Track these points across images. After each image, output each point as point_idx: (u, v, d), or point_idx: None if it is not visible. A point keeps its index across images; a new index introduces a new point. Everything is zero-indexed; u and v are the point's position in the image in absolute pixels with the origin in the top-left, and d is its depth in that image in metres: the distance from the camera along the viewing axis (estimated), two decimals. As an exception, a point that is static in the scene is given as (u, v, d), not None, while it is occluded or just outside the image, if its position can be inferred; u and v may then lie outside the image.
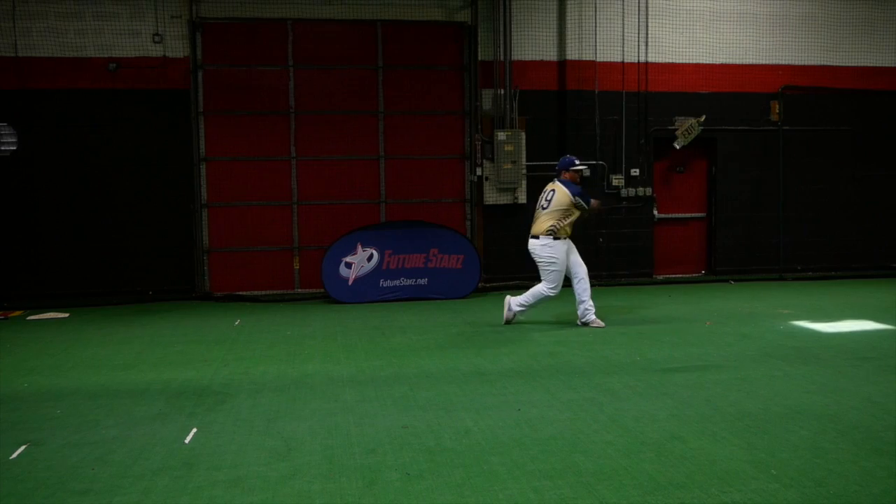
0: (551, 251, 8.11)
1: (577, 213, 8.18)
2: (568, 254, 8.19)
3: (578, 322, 8.36)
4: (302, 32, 11.32)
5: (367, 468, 4.23)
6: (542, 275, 8.23)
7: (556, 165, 8.62)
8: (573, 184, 8.23)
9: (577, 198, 8.09)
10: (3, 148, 10.64)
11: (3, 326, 9.10)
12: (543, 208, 8.21)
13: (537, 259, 8.23)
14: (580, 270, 8.21)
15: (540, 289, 8.24)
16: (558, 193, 8.14)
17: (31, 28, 10.59)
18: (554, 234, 8.10)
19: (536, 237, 8.20)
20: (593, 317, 8.32)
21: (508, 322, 8.48)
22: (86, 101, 10.78)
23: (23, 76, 10.59)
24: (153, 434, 4.89)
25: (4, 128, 10.62)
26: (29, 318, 9.59)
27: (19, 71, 10.57)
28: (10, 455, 4.54)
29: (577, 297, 8.29)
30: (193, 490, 3.98)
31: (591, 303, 8.31)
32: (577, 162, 8.42)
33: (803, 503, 3.67)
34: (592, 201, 8.40)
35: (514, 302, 8.43)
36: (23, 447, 4.67)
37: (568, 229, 8.17)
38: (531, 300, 8.31)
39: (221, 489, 3.99)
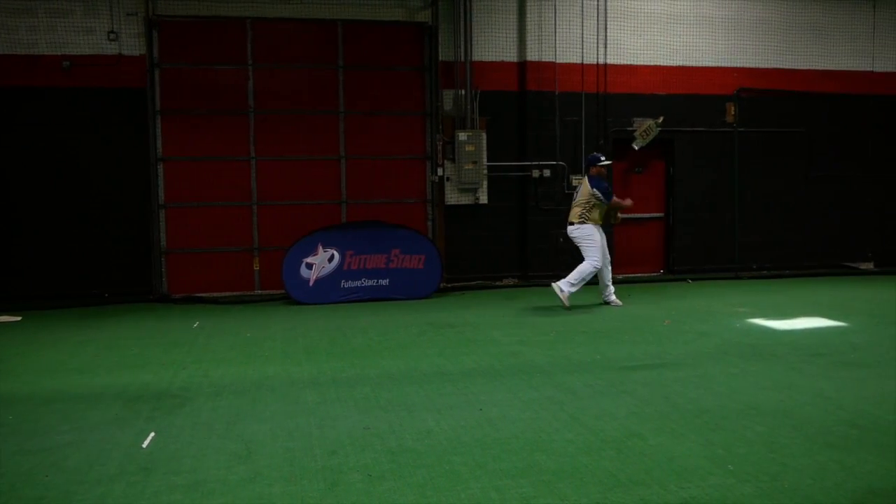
0: (583, 231, 9.39)
1: (600, 205, 9.39)
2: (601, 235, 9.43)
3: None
4: (261, 31, 11.21)
5: (329, 470, 4.21)
6: (584, 252, 9.42)
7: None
8: (598, 179, 9.42)
9: (595, 191, 9.32)
10: (-49, 147, 10.34)
11: (-49, 330, 8.85)
12: (574, 200, 9.59)
13: (576, 242, 9.52)
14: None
15: (584, 266, 9.33)
16: (582, 187, 9.51)
17: (-19, 24, 10.31)
18: (584, 221, 9.39)
19: (571, 223, 9.52)
20: (613, 297, 9.71)
21: (565, 304, 9.35)
22: (38, 99, 10.54)
23: (-28, 73, 10.31)
24: (109, 439, 4.80)
25: (-47, 126, 10.33)
26: (-21, 321, 9.34)
27: (-32, 68, 10.29)
28: (-40, 463, 4.42)
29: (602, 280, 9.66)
30: (151, 495, 3.92)
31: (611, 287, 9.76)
32: (603, 158, 9.60)
33: (759, 497, 3.75)
34: (614, 199, 9.56)
35: (563, 283, 9.33)
36: (-27, 454, 4.55)
37: (597, 218, 9.41)
38: (577, 277, 9.29)
39: (180, 494, 3.93)
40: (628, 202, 9.77)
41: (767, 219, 12.88)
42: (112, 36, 10.66)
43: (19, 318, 9.48)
